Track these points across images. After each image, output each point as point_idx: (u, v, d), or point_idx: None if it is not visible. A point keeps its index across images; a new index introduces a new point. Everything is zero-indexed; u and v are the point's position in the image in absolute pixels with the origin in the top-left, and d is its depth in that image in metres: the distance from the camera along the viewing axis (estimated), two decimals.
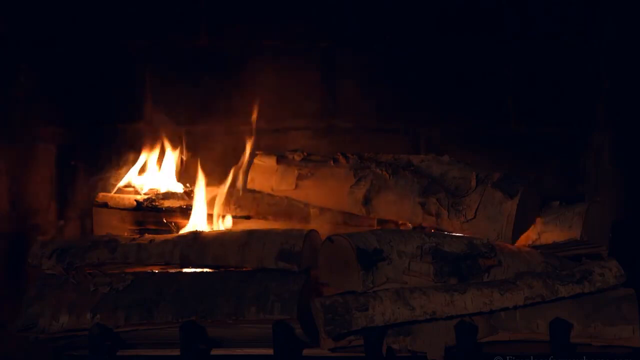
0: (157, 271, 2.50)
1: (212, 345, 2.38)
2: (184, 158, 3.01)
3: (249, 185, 2.80)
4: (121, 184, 2.91)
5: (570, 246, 2.53)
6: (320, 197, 2.71)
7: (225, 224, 2.74)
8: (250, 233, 2.47)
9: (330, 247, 2.34)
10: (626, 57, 2.96)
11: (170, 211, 2.80)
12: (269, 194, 2.77)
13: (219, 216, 2.74)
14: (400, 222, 2.66)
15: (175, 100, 3.13)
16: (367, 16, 3.09)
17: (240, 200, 2.78)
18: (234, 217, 2.77)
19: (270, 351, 2.31)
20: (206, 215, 2.74)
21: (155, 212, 2.80)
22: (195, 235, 2.50)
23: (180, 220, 2.79)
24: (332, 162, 2.72)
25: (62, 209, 2.99)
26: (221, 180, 2.83)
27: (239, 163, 2.79)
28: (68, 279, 2.44)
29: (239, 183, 2.77)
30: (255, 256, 2.40)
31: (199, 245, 2.45)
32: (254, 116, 2.88)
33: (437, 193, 2.56)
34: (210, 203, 2.74)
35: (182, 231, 2.69)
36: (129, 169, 2.96)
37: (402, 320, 2.25)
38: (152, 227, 2.79)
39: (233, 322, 2.32)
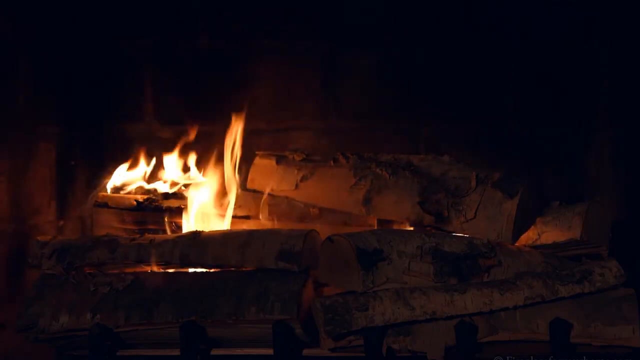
0: (157, 271, 2.50)
1: (212, 345, 2.38)
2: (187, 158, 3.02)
3: (249, 185, 2.80)
4: (120, 183, 2.92)
5: (570, 246, 2.53)
6: (320, 197, 2.71)
7: (225, 223, 2.74)
8: (250, 233, 2.47)
9: (330, 247, 2.34)
10: (626, 57, 2.96)
11: (171, 211, 2.80)
12: (269, 194, 2.77)
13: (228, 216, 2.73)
14: (400, 222, 2.66)
15: (175, 100, 3.13)
16: (367, 16, 3.09)
17: (240, 200, 2.78)
18: (233, 217, 2.77)
19: (270, 351, 2.31)
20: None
21: (155, 212, 2.80)
22: (195, 235, 2.50)
23: (180, 220, 2.79)
24: (332, 162, 2.72)
25: (62, 209, 2.99)
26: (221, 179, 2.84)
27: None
28: (68, 279, 2.44)
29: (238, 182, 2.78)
30: (255, 256, 2.40)
31: (199, 245, 2.45)
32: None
33: (437, 193, 2.56)
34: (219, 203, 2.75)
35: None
36: (129, 169, 2.96)
37: (402, 320, 2.25)
38: (152, 227, 2.79)
39: (233, 322, 2.32)
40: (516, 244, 2.51)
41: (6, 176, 2.70)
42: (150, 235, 2.57)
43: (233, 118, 2.82)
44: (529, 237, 2.59)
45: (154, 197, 2.83)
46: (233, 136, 2.80)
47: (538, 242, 2.57)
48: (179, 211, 2.79)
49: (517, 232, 2.51)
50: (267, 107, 3.06)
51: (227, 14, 3.10)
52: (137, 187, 2.91)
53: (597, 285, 2.31)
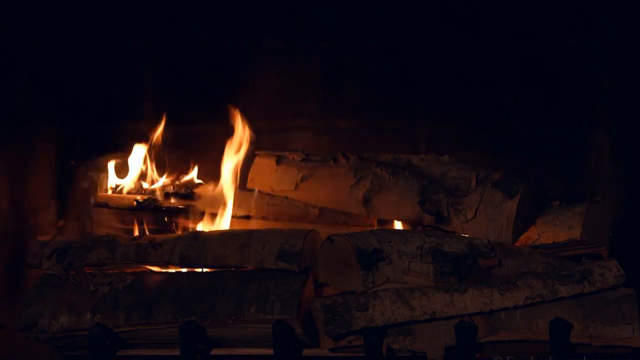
0: (157, 271, 2.50)
1: (212, 345, 2.39)
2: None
3: (249, 185, 2.80)
4: (120, 183, 2.92)
5: (570, 246, 2.53)
6: (320, 197, 2.71)
7: (224, 223, 2.74)
8: (250, 233, 2.47)
9: (330, 247, 2.34)
10: (626, 57, 2.96)
11: (170, 211, 2.80)
12: (269, 194, 2.78)
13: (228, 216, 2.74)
14: (400, 222, 2.66)
15: (175, 99, 3.13)
16: (367, 16, 3.09)
17: (240, 200, 2.78)
18: (233, 217, 2.77)
19: (270, 351, 2.31)
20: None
21: (155, 212, 2.80)
22: (195, 235, 2.50)
23: (180, 220, 2.79)
24: (332, 162, 2.72)
25: (62, 209, 2.99)
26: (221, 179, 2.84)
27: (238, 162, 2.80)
28: (68, 279, 2.44)
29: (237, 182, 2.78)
30: (255, 256, 2.40)
31: (199, 245, 2.45)
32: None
33: (437, 193, 2.56)
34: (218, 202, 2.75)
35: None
36: (130, 169, 2.96)
37: (402, 320, 2.25)
38: (152, 227, 2.79)
39: (233, 322, 2.32)
40: (516, 244, 2.51)
41: (6, 176, 2.70)
42: (150, 235, 2.57)
43: (238, 122, 2.82)
44: (529, 237, 2.59)
45: (153, 197, 2.83)
46: (238, 139, 2.80)
47: (538, 242, 2.57)
48: (179, 211, 2.79)
49: (517, 232, 2.51)
50: (267, 107, 3.06)
51: (227, 13, 3.10)
52: (138, 187, 2.91)
53: (597, 285, 2.31)
